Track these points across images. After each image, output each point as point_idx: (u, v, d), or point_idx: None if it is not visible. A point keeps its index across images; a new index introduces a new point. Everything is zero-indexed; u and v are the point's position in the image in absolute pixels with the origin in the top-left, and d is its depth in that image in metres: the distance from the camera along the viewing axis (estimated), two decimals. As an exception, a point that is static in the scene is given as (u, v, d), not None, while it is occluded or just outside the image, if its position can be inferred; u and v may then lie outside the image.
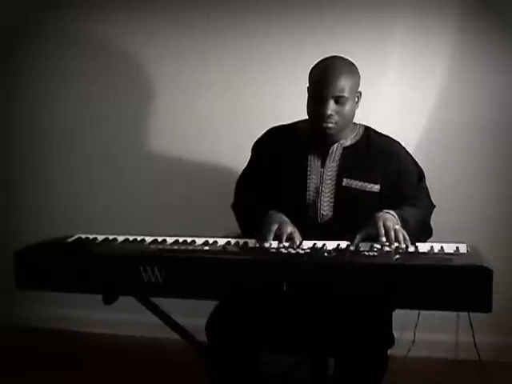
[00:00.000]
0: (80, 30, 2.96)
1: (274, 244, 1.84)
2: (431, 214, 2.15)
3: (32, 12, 2.97)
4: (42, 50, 3.02)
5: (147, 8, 2.87)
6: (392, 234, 1.79)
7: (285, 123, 2.19)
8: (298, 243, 1.83)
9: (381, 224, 1.81)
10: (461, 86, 2.67)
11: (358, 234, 1.85)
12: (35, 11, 2.97)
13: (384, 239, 1.77)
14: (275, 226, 1.88)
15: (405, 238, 1.79)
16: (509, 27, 2.59)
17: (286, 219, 1.94)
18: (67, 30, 2.97)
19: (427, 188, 2.16)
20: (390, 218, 1.86)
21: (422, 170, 2.16)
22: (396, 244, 1.77)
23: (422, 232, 2.01)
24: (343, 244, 1.81)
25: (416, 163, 2.16)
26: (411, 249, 1.75)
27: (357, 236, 1.84)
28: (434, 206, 2.17)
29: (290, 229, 1.88)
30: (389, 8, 2.66)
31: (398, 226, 1.83)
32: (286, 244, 1.83)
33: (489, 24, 2.59)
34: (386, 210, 1.91)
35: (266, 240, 1.85)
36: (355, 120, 2.11)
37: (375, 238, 1.81)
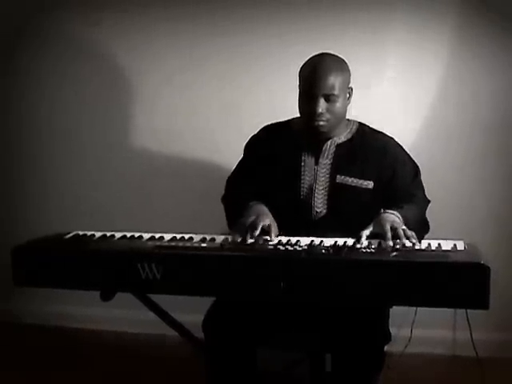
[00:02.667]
0: (78, 30, 2.97)
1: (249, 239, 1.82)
2: (425, 209, 2.14)
3: (31, 12, 2.97)
4: (40, 51, 3.02)
5: (144, 9, 2.87)
6: (401, 232, 1.76)
7: (279, 121, 2.19)
8: (272, 237, 1.82)
9: (388, 227, 1.78)
10: (460, 84, 2.67)
11: (363, 231, 1.82)
12: (34, 12, 2.96)
13: (391, 243, 1.74)
14: (252, 218, 1.87)
15: (413, 236, 1.77)
16: (508, 25, 2.58)
17: (266, 211, 1.93)
18: (65, 31, 2.97)
19: (422, 184, 2.15)
20: (396, 221, 1.84)
21: (417, 165, 2.15)
22: (405, 240, 1.74)
23: (421, 228, 2.00)
24: (340, 241, 1.81)
25: (411, 159, 2.15)
26: (417, 246, 1.73)
27: (363, 234, 1.81)
28: (429, 202, 2.16)
29: (267, 221, 1.86)
30: (387, 7, 2.66)
31: (404, 227, 1.80)
32: (256, 234, 1.80)
33: (488, 22, 2.59)
34: (390, 211, 1.89)
35: (241, 234, 1.83)
36: (351, 118, 2.11)
37: (379, 237, 1.80)
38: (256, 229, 1.82)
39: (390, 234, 1.76)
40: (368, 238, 1.82)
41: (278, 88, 2.73)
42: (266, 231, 1.85)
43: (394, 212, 1.90)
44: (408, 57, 2.68)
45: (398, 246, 1.71)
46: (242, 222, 1.87)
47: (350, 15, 2.68)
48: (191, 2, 2.83)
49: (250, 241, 1.81)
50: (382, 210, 1.93)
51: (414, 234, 1.79)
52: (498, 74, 2.64)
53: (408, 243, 1.73)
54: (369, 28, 2.67)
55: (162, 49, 2.89)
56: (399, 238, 1.75)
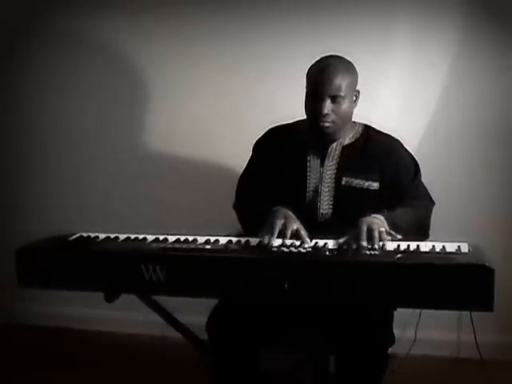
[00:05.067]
0: (79, 29, 2.96)
1: (278, 241, 1.80)
2: (430, 211, 2.13)
3: (32, 12, 2.97)
4: (43, 50, 3.02)
5: (148, 9, 2.87)
6: (375, 235, 1.74)
7: (285, 123, 2.19)
8: (305, 240, 1.81)
9: (364, 228, 1.77)
10: (463, 84, 2.66)
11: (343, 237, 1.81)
12: (35, 11, 2.97)
13: (365, 243, 1.73)
14: (281, 222, 1.85)
15: (388, 239, 1.76)
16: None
17: (292, 215, 1.91)
18: (66, 30, 2.97)
19: (424, 185, 2.15)
20: (375, 222, 1.81)
21: (418, 167, 2.14)
22: (380, 243, 1.73)
23: (417, 233, 1.97)
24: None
25: (414, 161, 2.15)
26: (413, 247, 1.74)
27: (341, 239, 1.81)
28: (434, 204, 2.15)
29: (295, 225, 1.85)
30: (391, 7, 2.65)
31: (382, 229, 1.78)
32: (289, 242, 1.80)
33: (492, 23, 2.58)
34: (373, 215, 1.87)
35: (270, 237, 1.81)
36: (357, 119, 2.11)
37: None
38: (286, 233, 1.82)
39: (364, 235, 1.75)
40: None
41: (285, 91, 2.71)
42: (294, 235, 1.83)
43: (377, 215, 1.87)
44: (411, 57, 2.67)
45: (376, 247, 1.70)
46: (269, 227, 1.84)
47: (353, 16, 2.68)
48: (195, 2, 2.83)
49: (278, 242, 1.79)
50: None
51: (390, 237, 1.77)
52: (503, 75, 2.63)
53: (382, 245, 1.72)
54: (372, 28, 2.67)
55: (165, 50, 2.89)
56: (372, 240, 1.73)
